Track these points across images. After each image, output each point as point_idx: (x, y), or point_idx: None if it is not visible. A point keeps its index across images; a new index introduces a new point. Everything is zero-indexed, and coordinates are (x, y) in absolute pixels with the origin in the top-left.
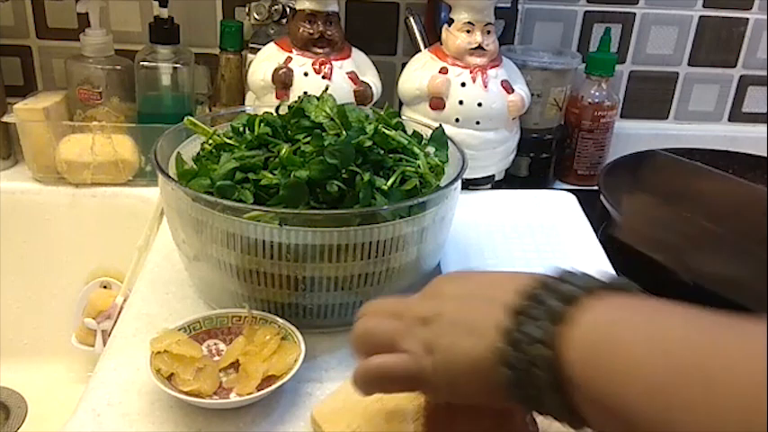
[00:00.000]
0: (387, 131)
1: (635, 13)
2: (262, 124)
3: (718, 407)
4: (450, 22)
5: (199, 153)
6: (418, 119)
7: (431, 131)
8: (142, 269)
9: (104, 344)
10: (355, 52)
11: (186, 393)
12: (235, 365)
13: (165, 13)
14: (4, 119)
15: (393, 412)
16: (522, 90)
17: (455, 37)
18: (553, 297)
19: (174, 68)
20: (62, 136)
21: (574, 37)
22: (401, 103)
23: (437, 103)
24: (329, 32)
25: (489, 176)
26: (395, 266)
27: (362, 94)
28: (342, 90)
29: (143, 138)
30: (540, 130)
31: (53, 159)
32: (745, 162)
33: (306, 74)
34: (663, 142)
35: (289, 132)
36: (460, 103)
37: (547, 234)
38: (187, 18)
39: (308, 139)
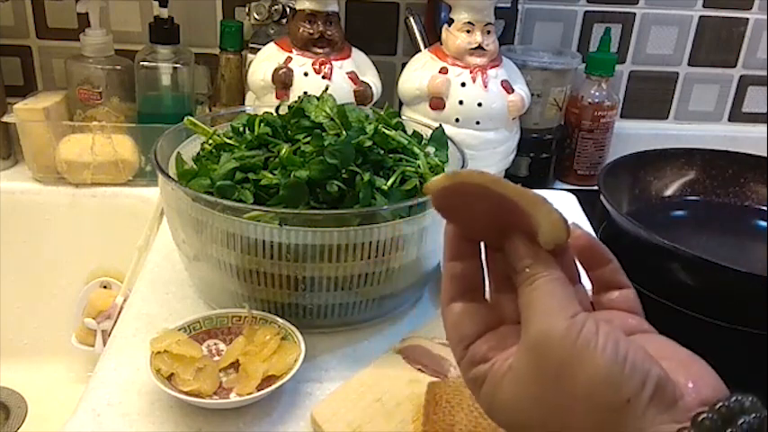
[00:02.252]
0: (387, 131)
1: (635, 13)
2: (262, 124)
3: None
4: (450, 22)
5: (199, 153)
6: (418, 119)
7: (431, 131)
8: (142, 269)
9: (104, 344)
10: (355, 52)
11: (186, 393)
12: (235, 365)
13: (165, 13)
14: (4, 119)
15: (393, 412)
16: (522, 90)
17: (455, 37)
18: None
19: (174, 68)
20: (62, 136)
21: (574, 37)
22: (401, 103)
23: (437, 103)
24: (329, 32)
25: None
26: (395, 266)
27: (362, 94)
28: (342, 90)
29: (143, 138)
30: (540, 130)
31: (53, 159)
32: (746, 162)
33: (306, 74)
34: (663, 142)
35: (289, 132)
36: (460, 103)
37: None
38: (187, 18)
39: (308, 139)
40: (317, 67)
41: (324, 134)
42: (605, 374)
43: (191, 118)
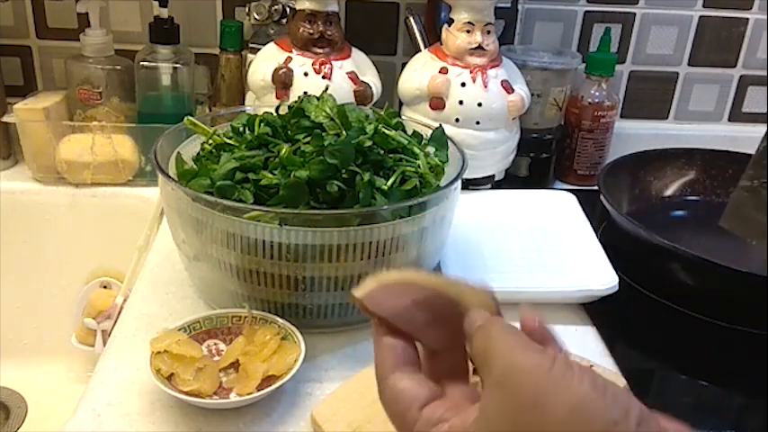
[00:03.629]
0: (387, 131)
1: (635, 13)
2: (262, 124)
3: None
4: (450, 22)
5: (199, 153)
6: (418, 119)
7: (431, 131)
8: (142, 269)
9: (104, 344)
10: (355, 52)
11: (186, 393)
12: (235, 365)
13: (165, 13)
14: (4, 119)
15: None
16: (522, 90)
17: (455, 37)
18: None
19: (174, 68)
20: (62, 136)
21: (574, 37)
22: (401, 103)
23: (437, 103)
24: (329, 32)
25: (489, 176)
26: (395, 266)
27: (362, 94)
28: (342, 90)
29: (143, 138)
30: (540, 130)
31: (53, 159)
32: (746, 162)
33: (306, 74)
34: (663, 142)
35: (289, 132)
36: (460, 103)
37: (547, 234)
38: (187, 18)
39: (308, 139)
40: (317, 67)
41: (324, 134)
42: (586, 402)
43: (191, 118)
